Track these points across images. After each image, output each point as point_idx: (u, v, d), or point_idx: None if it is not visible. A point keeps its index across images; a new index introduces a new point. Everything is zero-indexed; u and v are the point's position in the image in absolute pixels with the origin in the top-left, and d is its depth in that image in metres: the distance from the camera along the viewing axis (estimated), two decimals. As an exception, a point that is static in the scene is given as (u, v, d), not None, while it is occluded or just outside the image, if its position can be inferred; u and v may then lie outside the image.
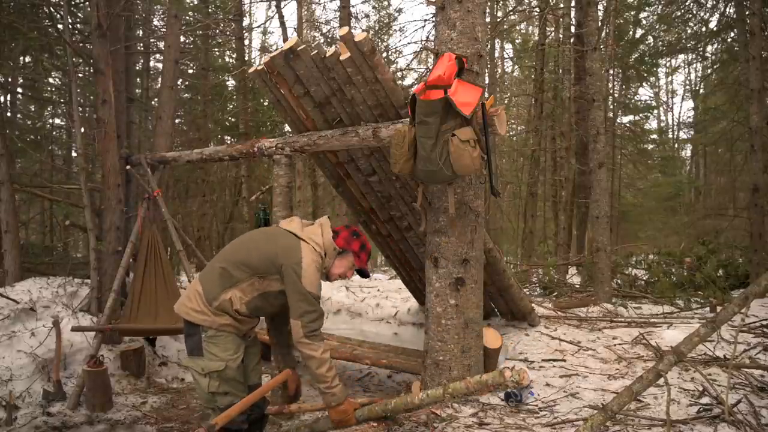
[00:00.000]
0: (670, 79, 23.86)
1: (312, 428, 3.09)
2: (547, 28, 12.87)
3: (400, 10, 23.03)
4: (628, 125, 16.30)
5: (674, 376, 3.63)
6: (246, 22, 15.57)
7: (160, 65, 10.96)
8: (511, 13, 12.92)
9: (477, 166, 3.24)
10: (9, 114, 10.95)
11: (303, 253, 2.76)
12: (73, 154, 12.40)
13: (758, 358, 3.98)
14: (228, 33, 13.18)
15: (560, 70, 13.39)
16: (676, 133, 24.10)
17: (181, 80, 12.67)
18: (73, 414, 4.44)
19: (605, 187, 6.98)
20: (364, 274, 3.05)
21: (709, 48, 13.73)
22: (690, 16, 11.83)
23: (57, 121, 12.97)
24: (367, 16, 14.42)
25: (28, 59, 10.17)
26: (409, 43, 22.27)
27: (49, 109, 12.19)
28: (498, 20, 11.84)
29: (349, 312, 6.67)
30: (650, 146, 17.63)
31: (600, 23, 9.55)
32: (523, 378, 2.52)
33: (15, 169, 9.51)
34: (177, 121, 13.48)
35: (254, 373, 3.06)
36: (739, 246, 9.74)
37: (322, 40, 13.05)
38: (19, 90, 10.72)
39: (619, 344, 4.58)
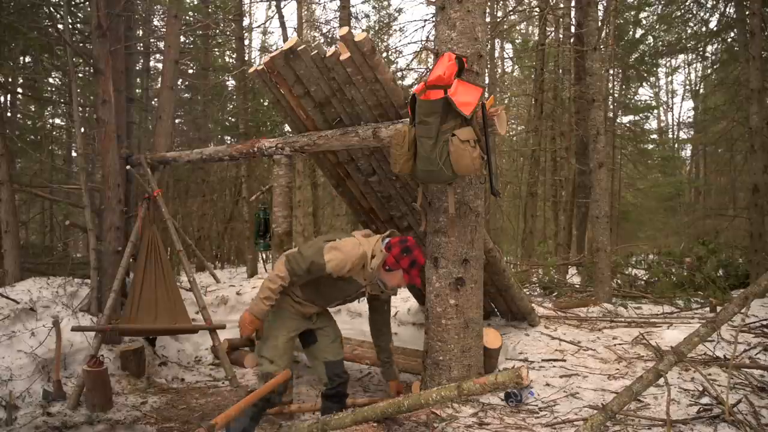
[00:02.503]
0: (670, 79, 23.88)
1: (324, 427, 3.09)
2: (547, 28, 12.85)
3: (400, 10, 23.00)
4: (628, 125, 16.29)
5: (674, 376, 3.63)
6: (246, 22, 15.58)
7: (160, 65, 10.97)
8: (511, 13, 12.91)
9: (477, 166, 3.23)
10: (9, 114, 10.95)
11: (342, 243, 3.17)
12: (73, 154, 12.42)
13: (758, 358, 3.98)
14: (228, 33, 13.18)
15: (560, 70, 13.38)
16: (676, 133, 24.12)
17: (181, 80, 12.69)
18: (73, 414, 4.44)
19: (605, 187, 6.98)
20: (415, 285, 3.33)
21: (709, 48, 13.74)
22: (690, 16, 11.84)
23: (57, 121, 12.98)
24: (367, 16, 14.44)
25: (28, 59, 10.18)
26: (409, 43, 22.36)
27: (49, 109, 12.19)
28: (498, 20, 11.82)
29: (349, 312, 6.67)
30: (650, 146, 17.61)
31: (600, 23, 9.55)
32: (523, 378, 2.52)
33: (15, 169, 9.52)
34: (177, 121, 13.49)
35: (328, 351, 3.48)
36: (739, 246, 9.74)
37: (322, 40, 13.03)
38: (19, 90, 10.72)
39: (619, 344, 4.58)
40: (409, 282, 3.26)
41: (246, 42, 15.38)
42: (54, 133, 13.04)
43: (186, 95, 14.07)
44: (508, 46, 16.93)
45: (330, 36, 12.97)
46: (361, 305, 6.75)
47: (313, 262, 3.09)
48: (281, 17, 11.63)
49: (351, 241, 3.20)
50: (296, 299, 3.32)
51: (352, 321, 6.59)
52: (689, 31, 12.73)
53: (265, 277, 3.26)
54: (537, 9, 11.84)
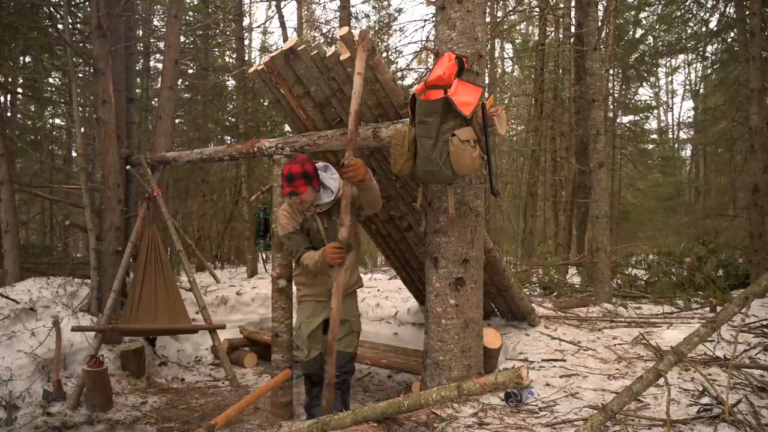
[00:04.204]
0: (670, 79, 23.87)
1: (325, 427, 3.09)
2: (547, 28, 12.84)
3: (400, 10, 22.98)
4: (628, 125, 16.28)
5: (674, 376, 3.63)
6: (246, 22, 15.57)
7: (160, 65, 10.97)
8: (511, 13, 12.90)
9: (477, 166, 3.23)
10: (9, 114, 10.95)
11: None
12: (73, 154, 12.42)
13: (758, 358, 3.98)
14: (228, 33, 13.17)
15: (560, 70, 13.37)
16: (676, 133, 24.11)
17: (181, 80, 12.67)
18: (73, 414, 4.44)
19: (605, 187, 6.98)
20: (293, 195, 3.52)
21: (709, 48, 13.73)
22: (690, 16, 11.84)
23: (57, 121, 12.99)
24: (367, 16, 14.44)
25: (28, 59, 10.19)
26: (409, 43, 22.33)
27: (49, 109, 12.20)
28: (498, 20, 11.81)
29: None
30: (650, 146, 17.60)
31: (600, 23, 9.55)
32: (523, 378, 2.52)
33: (15, 169, 9.52)
34: (177, 121, 13.48)
35: (339, 342, 3.56)
36: (739, 246, 9.73)
37: (322, 40, 13.04)
38: (19, 90, 10.72)
39: (619, 344, 4.58)
40: (285, 193, 3.53)
41: (246, 42, 15.38)
42: (54, 133, 13.04)
43: (186, 95, 14.06)
44: (508, 46, 16.94)
45: (330, 36, 12.98)
46: (361, 305, 6.74)
47: (281, 236, 3.74)
48: (281, 17, 11.64)
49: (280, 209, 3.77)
50: (306, 281, 3.77)
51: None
52: (689, 31, 12.72)
53: (312, 269, 3.60)
54: (537, 9, 11.84)
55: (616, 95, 15.56)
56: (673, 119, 25.50)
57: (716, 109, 12.69)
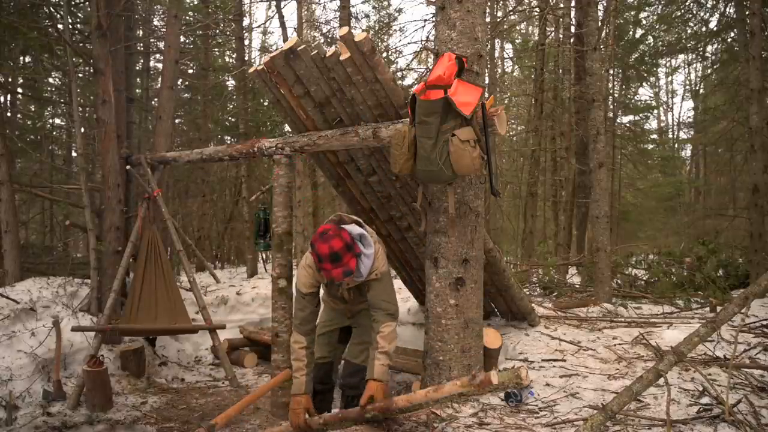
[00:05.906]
0: (670, 79, 23.83)
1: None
2: (547, 28, 12.84)
3: (400, 10, 22.92)
4: (628, 125, 16.28)
5: (674, 376, 3.63)
6: (246, 22, 15.57)
7: (160, 65, 10.97)
8: (511, 13, 12.89)
9: (477, 166, 3.23)
10: (9, 114, 10.95)
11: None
12: (73, 154, 12.41)
13: (758, 358, 3.98)
14: (228, 33, 13.18)
15: (560, 70, 13.37)
16: (676, 133, 24.10)
17: (181, 80, 12.67)
18: (73, 414, 4.44)
19: (605, 187, 6.98)
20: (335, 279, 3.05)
21: (709, 48, 13.73)
22: (690, 16, 11.84)
23: (57, 121, 12.98)
24: (367, 16, 14.42)
25: (28, 59, 10.18)
26: (409, 43, 22.33)
27: (49, 109, 12.19)
28: (498, 20, 11.80)
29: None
30: (650, 146, 17.60)
31: (600, 23, 9.55)
32: (523, 378, 2.52)
33: (15, 169, 9.52)
34: (177, 121, 13.48)
35: (349, 351, 3.61)
36: (739, 246, 9.73)
37: (322, 40, 13.02)
38: (19, 90, 10.71)
39: (619, 344, 4.58)
40: (328, 278, 3.07)
41: (246, 42, 15.37)
42: (54, 133, 13.04)
43: (186, 95, 14.07)
44: (508, 46, 16.93)
45: (330, 36, 12.96)
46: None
47: (297, 290, 3.32)
48: (281, 17, 11.62)
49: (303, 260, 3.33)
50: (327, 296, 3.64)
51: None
52: (689, 31, 12.72)
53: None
54: (537, 9, 11.83)
55: (616, 95, 15.55)
56: (673, 119, 25.51)
57: (716, 109, 12.68)
